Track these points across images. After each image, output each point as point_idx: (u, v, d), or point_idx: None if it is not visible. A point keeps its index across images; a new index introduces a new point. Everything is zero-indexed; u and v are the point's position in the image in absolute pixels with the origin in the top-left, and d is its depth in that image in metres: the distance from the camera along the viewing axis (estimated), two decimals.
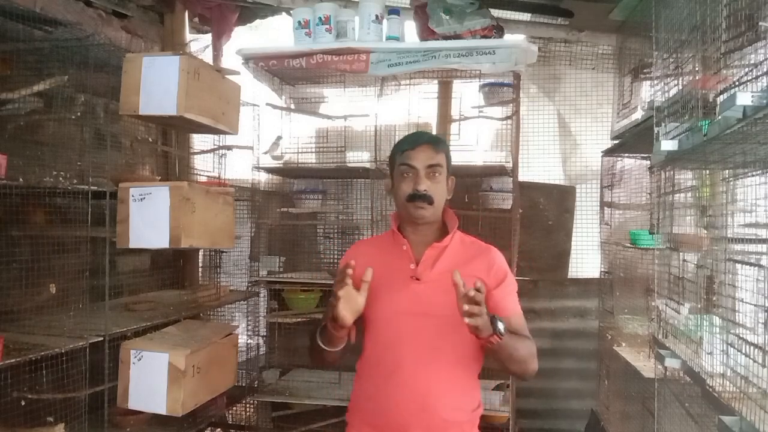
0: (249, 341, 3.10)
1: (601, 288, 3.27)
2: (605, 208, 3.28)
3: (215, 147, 2.91)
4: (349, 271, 1.52)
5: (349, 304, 1.54)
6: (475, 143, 2.82)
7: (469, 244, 1.80)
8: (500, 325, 1.50)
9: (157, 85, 2.21)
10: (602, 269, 3.31)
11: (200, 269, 3.38)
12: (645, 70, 2.64)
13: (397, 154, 1.75)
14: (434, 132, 3.25)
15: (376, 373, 1.68)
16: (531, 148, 3.89)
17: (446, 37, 2.63)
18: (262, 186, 3.35)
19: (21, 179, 2.04)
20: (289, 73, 2.95)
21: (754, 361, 1.36)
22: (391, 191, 1.79)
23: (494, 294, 1.69)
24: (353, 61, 2.71)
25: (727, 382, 1.48)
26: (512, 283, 1.77)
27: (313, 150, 3.01)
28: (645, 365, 2.44)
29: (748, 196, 1.61)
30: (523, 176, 3.13)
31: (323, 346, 1.64)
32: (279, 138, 3.14)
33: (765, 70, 1.26)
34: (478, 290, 1.43)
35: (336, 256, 3.25)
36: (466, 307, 1.41)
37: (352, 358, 1.79)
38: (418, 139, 1.74)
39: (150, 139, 3.24)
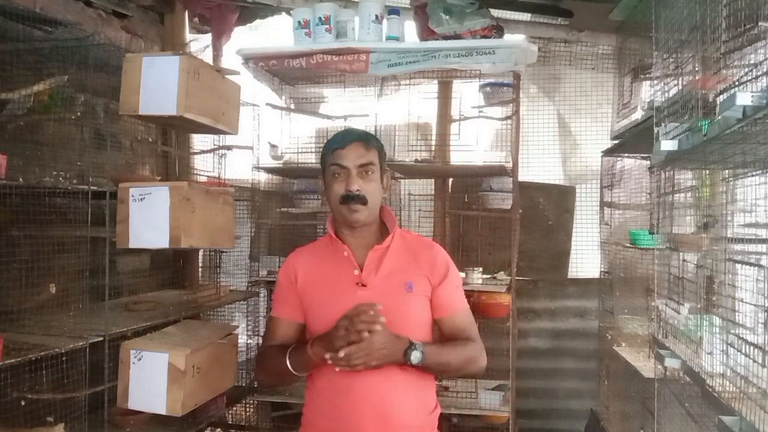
0: (249, 341, 3.10)
1: (601, 288, 3.27)
2: (605, 208, 3.29)
3: (215, 147, 2.90)
4: (382, 319, 1.49)
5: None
6: (475, 143, 2.82)
7: (412, 242, 1.74)
8: (413, 356, 1.53)
9: (157, 85, 2.21)
10: (602, 269, 3.31)
11: (200, 269, 3.38)
12: (645, 71, 2.64)
13: (327, 153, 1.68)
14: (434, 132, 3.26)
15: (332, 388, 1.62)
16: (531, 148, 3.89)
17: (446, 37, 2.63)
18: (262, 186, 3.34)
19: (21, 179, 2.04)
20: (289, 73, 2.94)
21: (754, 361, 1.36)
22: (324, 193, 1.73)
23: (437, 292, 1.67)
24: (353, 61, 2.70)
25: (727, 382, 1.48)
26: (456, 279, 1.73)
27: (313, 150, 3.00)
28: (645, 365, 2.44)
29: (748, 196, 1.61)
30: (523, 176, 3.13)
31: (293, 371, 1.60)
32: (274, 146, 3.15)
33: (765, 70, 1.27)
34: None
35: None
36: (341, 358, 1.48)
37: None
38: (347, 136, 1.67)
39: (150, 139, 3.24)
